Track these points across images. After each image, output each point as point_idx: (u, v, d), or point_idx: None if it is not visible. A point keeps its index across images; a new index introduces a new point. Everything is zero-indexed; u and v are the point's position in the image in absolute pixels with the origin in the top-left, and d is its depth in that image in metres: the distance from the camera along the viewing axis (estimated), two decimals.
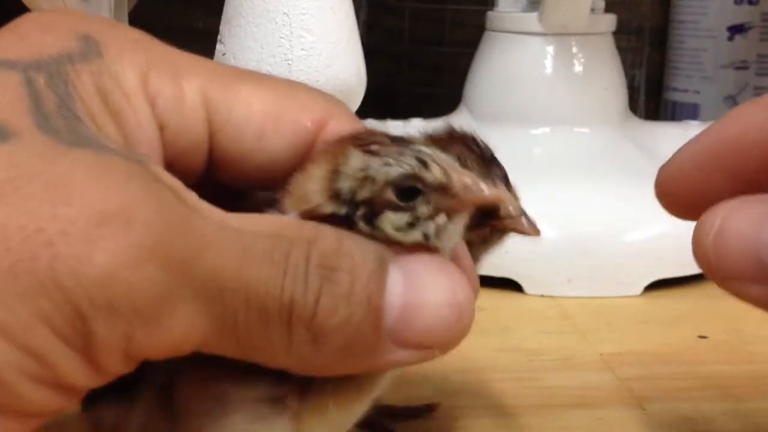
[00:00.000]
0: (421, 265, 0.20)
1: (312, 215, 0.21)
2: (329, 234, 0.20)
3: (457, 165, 0.21)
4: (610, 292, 0.45)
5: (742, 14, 0.69)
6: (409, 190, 0.20)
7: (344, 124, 0.23)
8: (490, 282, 0.45)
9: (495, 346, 0.39)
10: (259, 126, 0.23)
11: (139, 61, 0.22)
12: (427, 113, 0.53)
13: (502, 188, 0.24)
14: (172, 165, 0.22)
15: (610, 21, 0.53)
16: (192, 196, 0.19)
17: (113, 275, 0.17)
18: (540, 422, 0.32)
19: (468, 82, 0.55)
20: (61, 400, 0.18)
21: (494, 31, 0.54)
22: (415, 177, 0.20)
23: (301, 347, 0.19)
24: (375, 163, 0.20)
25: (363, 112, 0.36)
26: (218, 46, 0.42)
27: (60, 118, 0.19)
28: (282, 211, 0.21)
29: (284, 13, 0.39)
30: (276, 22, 0.39)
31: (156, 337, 0.18)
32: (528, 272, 0.45)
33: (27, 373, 0.17)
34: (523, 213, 0.24)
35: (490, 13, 0.55)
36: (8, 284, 0.17)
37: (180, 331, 0.18)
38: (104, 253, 0.17)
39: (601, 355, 0.38)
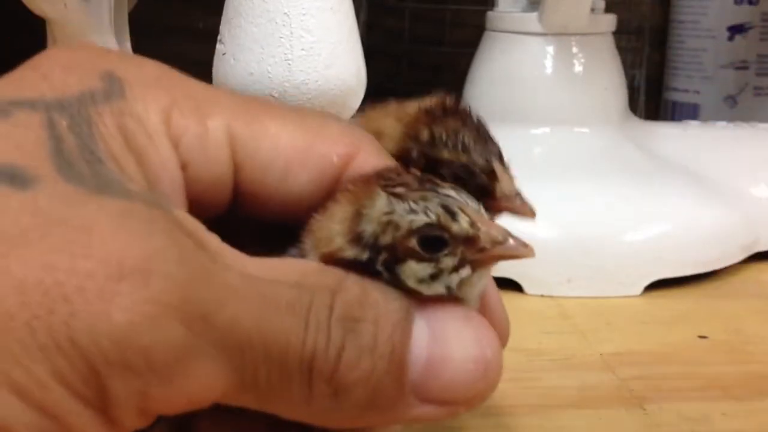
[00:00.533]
0: (447, 318, 0.20)
1: (333, 258, 0.20)
2: (353, 283, 0.19)
3: (483, 214, 0.20)
4: (610, 292, 0.45)
5: (742, 14, 0.69)
6: (434, 240, 0.20)
7: (371, 159, 0.23)
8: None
9: None
10: (285, 161, 0.22)
11: (163, 100, 0.22)
12: None
13: (498, 166, 0.25)
14: (196, 202, 0.22)
15: (610, 21, 0.53)
16: (213, 241, 0.19)
17: (129, 333, 0.17)
18: (540, 422, 0.32)
19: (468, 82, 0.55)
20: None
21: (494, 31, 0.54)
22: (440, 227, 0.20)
23: (322, 401, 0.19)
24: (400, 208, 0.20)
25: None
26: (218, 46, 0.42)
27: (83, 163, 0.19)
28: (303, 252, 0.21)
29: (284, 14, 0.39)
30: (276, 23, 0.39)
31: (172, 394, 0.18)
32: (528, 272, 0.45)
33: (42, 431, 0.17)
34: (519, 194, 0.24)
35: (490, 13, 0.55)
36: (24, 341, 0.16)
37: (198, 387, 0.18)
38: (121, 311, 0.17)
39: (601, 355, 0.38)
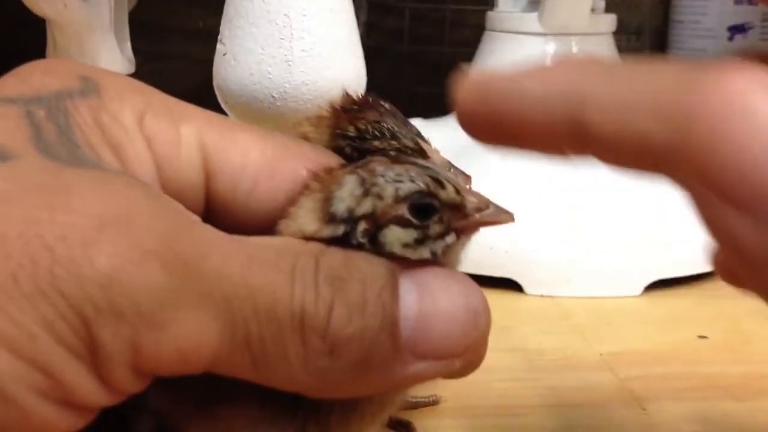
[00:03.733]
0: (431, 275, 0.20)
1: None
2: (335, 250, 0.20)
3: (465, 185, 0.21)
4: (610, 292, 0.45)
5: (742, 14, 0.69)
6: (422, 207, 0.20)
7: None
8: (490, 282, 0.45)
9: (495, 346, 0.38)
10: (255, 172, 0.23)
11: (137, 103, 0.22)
12: (427, 113, 0.53)
13: (424, 144, 0.25)
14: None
15: (610, 21, 0.53)
16: (193, 215, 0.19)
17: (114, 277, 0.17)
18: (540, 422, 0.32)
19: None
20: (72, 418, 0.18)
21: (494, 31, 0.54)
22: (430, 194, 0.20)
23: (318, 360, 0.19)
24: (381, 179, 0.20)
25: None
26: (219, 46, 0.42)
27: (60, 146, 0.19)
28: None
29: (285, 15, 0.39)
30: (276, 24, 0.40)
31: (162, 344, 0.17)
32: (528, 272, 0.45)
33: (34, 387, 0.17)
34: (493, 205, 0.24)
35: (490, 13, 0.55)
36: (9, 292, 0.16)
37: (188, 338, 0.18)
38: (104, 256, 0.17)
39: (601, 355, 0.38)
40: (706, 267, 0.47)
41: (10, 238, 0.17)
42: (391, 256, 0.20)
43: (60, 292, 0.17)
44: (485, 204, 0.21)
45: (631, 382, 0.35)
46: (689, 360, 0.38)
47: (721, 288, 0.47)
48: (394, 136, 0.25)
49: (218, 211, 0.23)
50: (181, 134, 0.22)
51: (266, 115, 0.42)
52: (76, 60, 0.43)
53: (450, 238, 0.21)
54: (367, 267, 0.20)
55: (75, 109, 0.21)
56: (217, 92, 0.45)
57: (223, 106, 0.45)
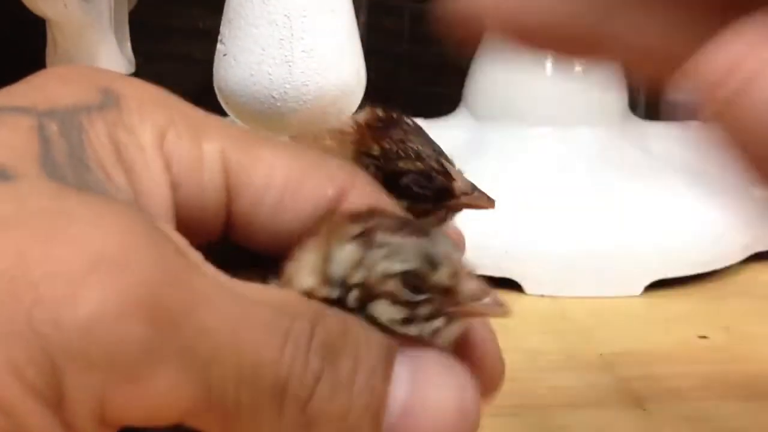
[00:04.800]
0: (430, 362, 0.19)
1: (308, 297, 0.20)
2: (334, 315, 0.19)
3: (464, 268, 0.20)
4: (610, 292, 0.45)
5: None
6: (411, 286, 0.19)
7: (365, 195, 0.22)
8: (490, 282, 0.45)
9: None
10: (279, 192, 0.22)
11: (159, 118, 0.21)
12: (427, 113, 0.53)
13: (449, 166, 0.25)
14: (185, 224, 0.21)
15: None
16: (195, 255, 0.19)
17: (93, 326, 0.16)
18: (540, 422, 0.32)
19: (468, 82, 0.55)
20: None
21: None
22: (419, 276, 0.19)
23: (291, 430, 0.18)
24: (375, 254, 0.19)
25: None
26: (219, 47, 0.42)
27: (68, 167, 0.19)
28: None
29: (285, 15, 0.39)
30: (276, 24, 0.40)
31: (133, 399, 0.17)
32: (528, 272, 0.45)
33: None
34: (475, 188, 0.25)
35: None
36: None
37: (160, 395, 0.17)
38: (87, 301, 0.16)
39: (601, 355, 0.38)
40: (706, 267, 0.47)
41: None
42: (383, 327, 0.19)
43: (35, 333, 0.16)
44: (482, 293, 0.20)
45: (631, 382, 0.35)
46: (689, 360, 0.38)
47: (721, 288, 0.48)
48: (419, 157, 0.25)
49: (239, 228, 0.22)
50: (203, 153, 0.22)
51: (266, 115, 0.42)
52: (97, 67, 0.42)
53: (439, 322, 0.20)
54: (363, 341, 0.19)
55: (90, 125, 0.20)
56: (217, 93, 0.45)
57: (223, 106, 0.45)
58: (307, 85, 0.40)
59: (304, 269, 0.20)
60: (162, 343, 0.17)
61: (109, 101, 0.21)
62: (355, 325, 0.19)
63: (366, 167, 0.25)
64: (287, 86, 0.40)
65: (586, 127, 0.51)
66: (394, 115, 0.26)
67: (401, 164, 0.25)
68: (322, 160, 0.23)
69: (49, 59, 0.48)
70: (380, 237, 0.19)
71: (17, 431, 0.16)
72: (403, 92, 0.74)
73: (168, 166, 0.21)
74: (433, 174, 0.25)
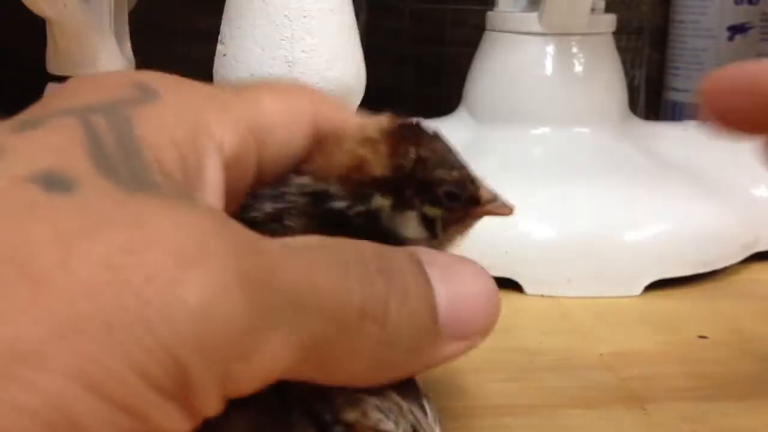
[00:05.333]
0: (452, 260, 0.22)
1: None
2: (363, 242, 0.21)
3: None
4: (610, 292, 0.45)
5: (742, 14, 0.69)
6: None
7: (331, 110, 0.25)
8: None
9: (495, 346, 0.38)
10: (287, 129, 0.24)
11: (197, 101, 0.22)
12: (428, 113, 0.53)
13: (476, 175, 0.26)
14: (229, 195, 0.23)
15: (610, 21, 0.53)
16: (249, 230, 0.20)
17: (206, 312, 0.17)
18: (540, 422, 0.32)
19: (468, 82, 0.55)
20: None
21: (494, 31, 0.54)
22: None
23: (379, 351, 0.20)
24: (371, 401, 0.21)
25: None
26: (219, 47, 0.42)
27: (120, 158, 0.19)
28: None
29: (285, 16, 0.39)
30: (276, 24, 0.40)
31: (251, 369, 0.18)
32: (528, 272, 0.45)
33: (120, 428, 0.17)
34: (497, 197, 0.26)
35: (490, 13, 0.55)
36: (100, 340, 0.16)
37: (272, 358, 0.18)
38: (193, 292, 0.17)
39: (601, 355, 0.38)
40: (706, 267, 0.47)
41: (97, 287, 0.17)
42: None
43: (153, 334, 0.17)
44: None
45: (631, 382, 0.35)
46: (689, 360, 0.38)
47: (721, 288, 0.48)
48: (452, 167, 0.25)
49: (264, 175, 0.24)
50: (240, 128, 0.23)
51: None
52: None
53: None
54: (397, 256, 0.21)
55: (138, 115, 0.21)
56: None
57: None
58: None
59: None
60: (263, 308, 0.18)
61: (149, 93, 0.21)
62: (383, 245, 0.21)
63: (403, 170, 0.24)
64: None
65: (586, 127, 0.51)
66: (416, 122, 0.26)
67: (440, 173, 0.25)
68: (297, 88, 0.25)
69: (49, 59, 0.48)
70: (377, 402, 0.21)
71: (144, 427, 0.17)
72: (403, 92, 0.74)
73: (220, 145, 0.22)
74: (466, 182, 0.26)
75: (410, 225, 0.24)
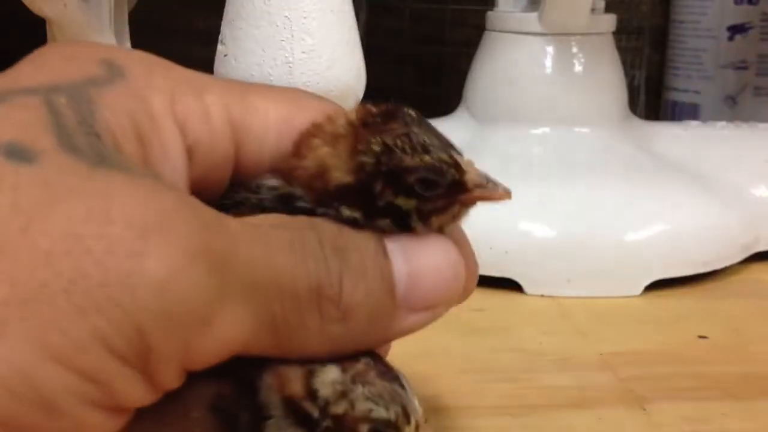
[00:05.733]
0: (412, 237, 0.22)
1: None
2: (326, 221, 0.21)
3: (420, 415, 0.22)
4: (610, 292, 0.45)
5: (742, 14, 0.69)
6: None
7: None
8: (490, 282, 0.45)
9: (495, 347, 0.39)
10: (276, 134, 0.24)
11: (165, 83, 0.22)
12: (428, 113, 0.53)
13: (459, 157, 0.23)
14: (200, 183, 0.23)
15: (610, 21, 0.53)
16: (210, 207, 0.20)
17: (167, 283, 0.17)
18: (540, 422, 0.32)
19: (468, 82, 0.55)
20: (117, 421, 0.18)
21: (494, 31, 0.54)
22: (395, 426, 0.21)
23: (333, 328, 0.20)
24: (358, 391, 0.21)
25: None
26: (219, 47, 0.42)
27: (81, 135, 0.19)
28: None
29: (285, 16, 0.39)
30: (277, 25, 0.40)
31: (211, 340, 0.18)
32: (528, 272, 0.45)
33: (84, 397, 0.17)
34: (488, 179, 0.23)
35: (490, 13, 0.55)
36: (60, 307, 0.16)
37: (230, 332, 0.18)
38: (154, 263, 0.17)
39: (601, 355, 0.38)
40: (706, 267, 0.47)
41: (57, 255, 0.17)
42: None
43: (114, 303, 0.17)
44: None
45: (631, 382, 0.35)
46: (689, 360, 0.38)
47: (721, 288, 0.48)
48: (425, 149, 0.22)
49: (246, 172, 0.24)
50: (210, 110, 0.23)
51: None
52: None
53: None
54: (356, 235, 0.21)
55: (99, 96, 0.21)
56: None
57: None
58: (307, 86, 0.40)
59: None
60: (223, 282, 0.18)
61: (115, 73, 0.21)
62: (342, 224, 0.21)
63: (363, 166, 0.22)
64: (288, 87, 0.40)
65: (586, 127, 0.51)
66: (391, 107, 0.24)
67: (407, 160, 0.22)
68: (304, 98, 0.25)
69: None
70: (366, 376, 0.21)
71: (106, 395, 0.17)
72: (403, 92, 0.74)
73: (183, 130, 0.22)
74: (444, 167, 0.23)
75: (385, 228, 0.22)
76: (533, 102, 0.51)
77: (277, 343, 0.20)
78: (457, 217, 0.24)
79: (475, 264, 0.24)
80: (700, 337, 0.40)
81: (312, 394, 0.20)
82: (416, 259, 0.22)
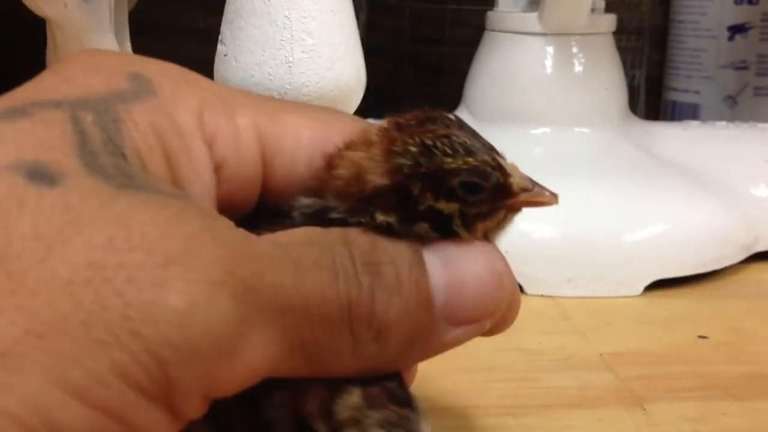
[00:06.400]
0: (452, 245, 0.21)
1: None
2: (358, 234, 0.20)
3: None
4: (610, 292, 0.45)
5: (742, 14, 0.69)
6: None
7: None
8: None
9: (495, 346, 0.39)
10: (308, 154, 0.23)
11: (193, 100, 0.22)
12: None
13: (503, 160, 0.22)
14: (226, 202, 0.22)
15: (610, 21, 0.53)
16: (238, 229, 0.19)
17: (189, 315, 0.17)
18: (540, 422, 0.32)
19: (468, 82, 0.55)
20: None
21: (494, 31, 0.54)
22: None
23: (366, 347, 0.19)
24: (370, 416, 0.20)
25: (364, 112, 0.36)
26: (219, 47, 0.42)
27: (107, 156, 0.19)
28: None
29: (285, 16, 0.39)
30: (277, 25, 0.39)
31: (236, 370, 0.18)
32: (528, 272, 0.45)
33: None
34: (534, 182, 0.23)
35: (490, 13, 0.55)
36: (80, 340, 0.16)
37: (256, 359, 0.18)
38: (176, 294, 0.17)
39: (601, 355, 0.38)
40: (706, 267, 0.47)
41: (77, 285, 0.16)
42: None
43: (135, 335, 0.16)
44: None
45: (631, 382, 0.35)
46: (689, 360, 0.38)
47: (721, 288, 0.48)
48: (468, 152, 0.21)
49: (275, 194, 0.23)
50: (239, 128, 0.22)
51: None
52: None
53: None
54: (391, 248, 0.20)
55: (127, 114, 0.20)
56: None
57: None
58: (307, 86, 0.40)
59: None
60: (248, 311, 0.18)
61: (142, 87, 0.21)
62: (379, 235, 0.20)
63: (402, 170, 0.21)
64: (288, 87, 0.40)
65: (586, 127, 0.51)
66: (428, 111, 0.22)
67: (449, 161, 0.21)
68: (339, 118, 0.24)
69: (49, 59, 0.48)
70: (381, 401, 0.20)
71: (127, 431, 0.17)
72: (403, 92, 0.74)
73: (211, 147, 0.22)
74: (488, 170, 0.21)
75: (423, 234, 0.21)
76: (533, 102, 0.51)
77: (307, 366, 0.19)
78: (502, 223, 0.23)
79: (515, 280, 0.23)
80: (700, 337, 0.40)
81: (328, 415, 0.20)
82: (456, 268, 0.20)
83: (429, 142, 0.21)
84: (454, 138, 0.21)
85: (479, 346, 0.38)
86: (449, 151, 0.21)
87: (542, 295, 0.45)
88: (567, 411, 0.33)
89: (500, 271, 0.21)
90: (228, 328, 0.17)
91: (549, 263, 0.45)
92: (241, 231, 0.19)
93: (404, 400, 0.20)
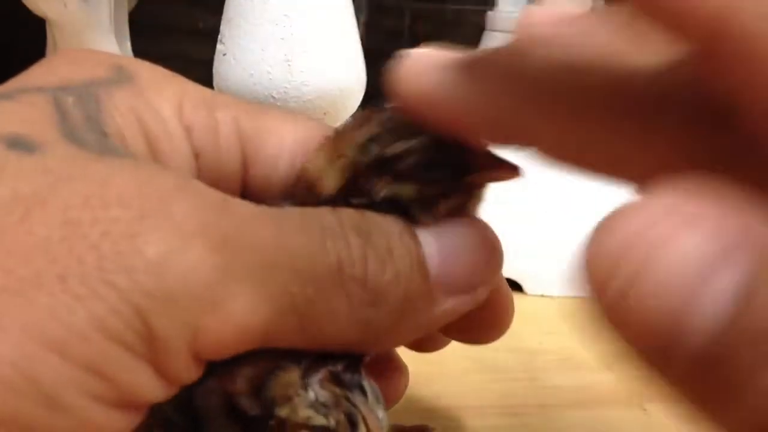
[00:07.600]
0: (443, 222, 0.21)
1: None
2: (348, 209, 0.20)
3: (384, 426, 0.21)
4: None
5: None
6: None
7: None
8: None
9: (495, 346, 0.39)
10: (290, 155, 0.23)
11: (174, 92, 0.22)
12: None
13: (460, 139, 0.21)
14: None
15: None
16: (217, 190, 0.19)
17: (164, 263, 0.17)
18: (540, 422, 0.32)
19: None
20: (128, 419, 0.17)
21: (494, 31, 0.54)
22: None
23: (363, 311, 0.19)
24: (304, 397, 0.20)
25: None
26: (219, 46, 0.42)
27: (87, 131, 0.19)
28: None
29: (284, 15, 0.39)
30: (276, 24, 0.40)
31: (221, 323, 0.17)
32: (528, 272, 0.45)
33: (88, 391, 0.16)
34: (496, 157, 0.21)
35: (490, 13, 0.55)
36: (56, 294, 0.16)
37: (243, 314, 0.18)
38: (151, 245, 0.17)
39: (601, 355, 0.38)
40: None
41: (53, 242, 0.16)
42: None
43: (111, 286, 0.16)
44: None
45: (631, 382, 0.35)
46: None
47: None
48: (419, 131, 0.20)
49: (255, 195, 0.23)
50: (218, 123, 0.22)
51: None
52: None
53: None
54: (381, 219, 0.20)
55: (108, 97, 0.20)
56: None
57: None
58: (307, 85, 0.40)
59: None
60: (227, 264, 0.17)
61: (124, 77, 0.21)
62: (368, 210, 0.20)
63: (347, 167, 0.21)
64: (287, 86, 0.40)
65: None
66: (368, 110, 0.22)
67: (400, 144, 0.20)
68: (316, 123, 0.24)
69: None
70: (318, 381, 0.20)
71: (112, 389, 0.16)
72: None
73: (189, 135, 0.22)
74: (447, 147, 0.20)
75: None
76: None
77: (302, 331, 0.19)
78: (467, 201, 0.22)
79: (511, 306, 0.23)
80: None
81: (255, 391, 0.20)
82: (447, 238, 0.20)
83: (375, 130, 0.21)
84: (400, 121, 0.21)
85: (479, 346, 0.38)
86: (396, 134, 0.21)
87: (542, 295, 0.45)
88: (567, 411, 0.33)
89: (491, 237, 0.21)
90: (205, 278, 0.17)
91: (549, 263, 0.45)
92: (221, 192, 0.19)
93: (349, 383, 0.20)
